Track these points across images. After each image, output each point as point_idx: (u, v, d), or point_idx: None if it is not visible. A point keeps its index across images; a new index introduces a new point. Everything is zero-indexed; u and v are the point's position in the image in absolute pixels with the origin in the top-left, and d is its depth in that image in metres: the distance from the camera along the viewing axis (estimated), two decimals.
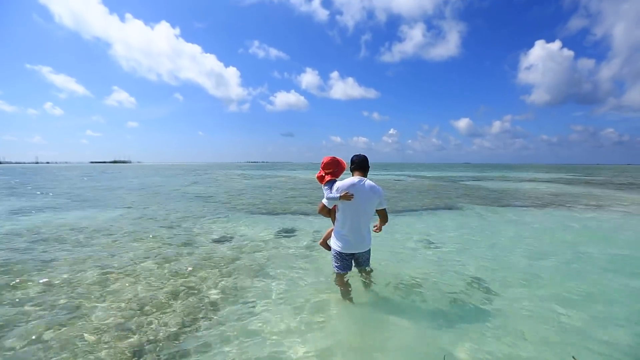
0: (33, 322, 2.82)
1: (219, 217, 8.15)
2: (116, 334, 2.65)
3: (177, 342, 2.57)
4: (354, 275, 3.57)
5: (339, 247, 3.02)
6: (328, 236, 3.34)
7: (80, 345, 2.49)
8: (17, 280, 3.76)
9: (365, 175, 3.07)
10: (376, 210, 3.05)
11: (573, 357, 2.36)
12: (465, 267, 4.40)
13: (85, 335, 2.63)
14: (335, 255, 3.10)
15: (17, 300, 3.27)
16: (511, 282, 3.87)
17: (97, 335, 2.63)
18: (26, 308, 3.09)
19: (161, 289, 3.57)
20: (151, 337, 2.61)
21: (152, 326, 2.78)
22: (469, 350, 2.46)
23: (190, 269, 4.23)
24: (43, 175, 33.43)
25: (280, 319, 2.93)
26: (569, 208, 10.19)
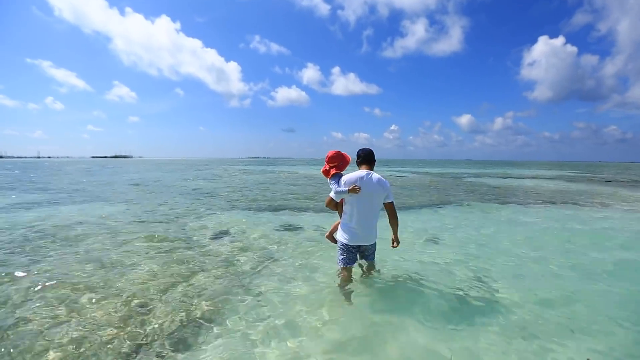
0: (26, 318, 2.73)
1: (219, 213, 8.06)
2: (111, 331, 2.56)
3: (174, 340, 2.48)
4: (356, 272, 3.50)
5: (346, 239, 3.03)
6: (335, 229, 3.31)
7: (73, 344, 2.40)
8: (10, 275, 3.68)
9: (371, 169, 3.08)
10: (384, 205, 3.02)
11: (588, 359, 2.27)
12: (470, 265, 4.32)
13: (79, 333, 2.54)
14: (341, 248, 3.11)
15: (7, 296, 3.18)
16: (517, 282, 3.78)
17: (91, 332, 2.54)
18: (19, 303, 3.00)
19: (158, 285, 3.48)
20: (147, 336, 2.52)
21: (148, 324, 2.70)
22: (476, 350, 2.40)
23: (189, 265, 4.14)
24: (44, 170, 33.42)
25: (282, 317, 2.84)
26: (574, 206, 10.07)
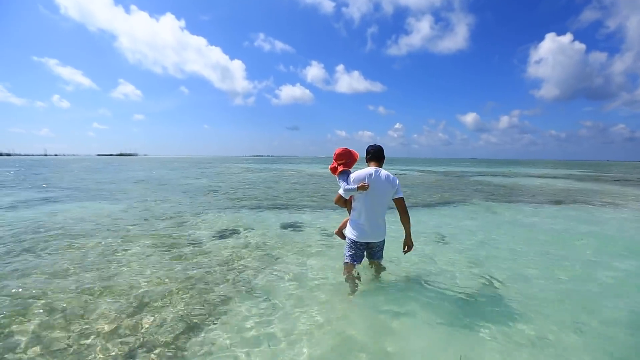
0: (28, 317, 2.67)
1: (222, 211, 8.00)
2: (112, 332, 2.49)
3: (177, 342, 2.40)
4: (362, 272, 3.41)
5: (355, 235, 3.05)
6: (344, 226, 3.31)
7: (73, 345, 2.34)
8: (5, 274, 3.64)
9: (380, 166, 3.08)
10: (393, 201, 2.99)
11: None
12: (478, 265, 4.22)
13: (80, 333, 2.47)
14: (349, 244, 3.12)
15: (7, 294, 3.13)
16: (527, 283, 3.67)
17: (92, 333, 2.47)
18: (19, 302, 2.95)
19: (161, 286, 3.41)
20: (149, 338, 2.45)
21: (150, 326, 2.62)
22: (485, 352, 2.32)
23: (192, 264, 4.07)
24: (50, 167, 33.73)
25: (288, 318, 2.77)
26: (584, 206, 9.86)
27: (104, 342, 2.38)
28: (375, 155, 3.08)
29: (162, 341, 2.41)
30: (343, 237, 3.31)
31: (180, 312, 2.83)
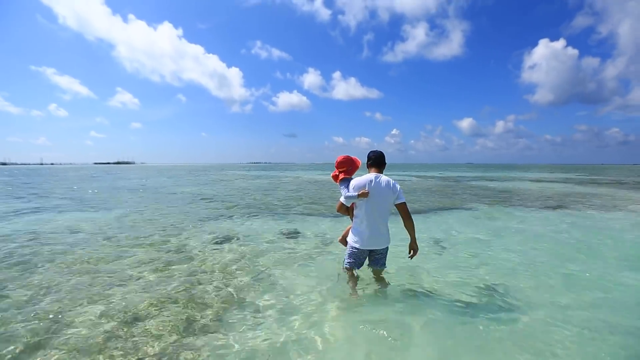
0: (13, 331, 2.57)
1: (219, 219, 7.91)
2: (103, 345, 2.40)
3: (169, 356, 2.31)
4: (365, 280, 3.34)
5: (357, 243, 3.03)
6: (347, 233, 3.29)
7: (63, 358, 2.24)
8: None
9: (381, 172, 3.07)
10: (396, 206, 2.97)
11: None
12: (480, 272, 4.15)
13: (69, 347, 2.38)
14: (350, 252, 3.11)
15: None
16: (529, 290, 3.61)
17: (82, 347, 2.38)
18: (5, 315, 2.85)
19: (155, 296, 3.31)
20: (141, 351, 2.36)
21: (142, 338, 2.53)
22: None
23: (187, 274, 3.98)
24: (45, 176, 33.43)
25: (287, 329, 2.69)
26: (582, 209, 9.85)
27: (88, 356, 2.29)
28: (377, 161, 3.07)
29: (151, 356, 2.32)
30: (346, 244, 3.26)
31: (171, 326, 2.74)
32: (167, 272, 4.06)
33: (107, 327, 2.71)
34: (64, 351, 2.37)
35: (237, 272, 4.10)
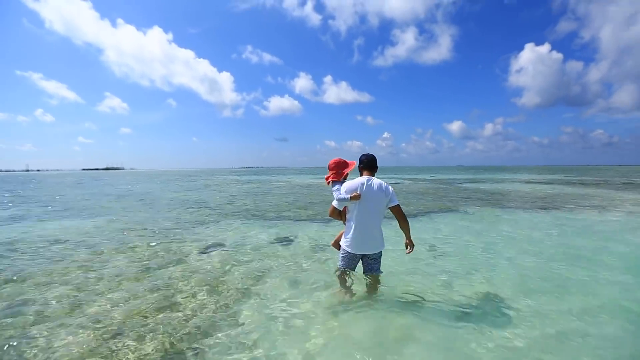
0: None
1: (209, 225, 7.69)
2: None
3: None
4: (358, 286, 3.20)
5: (350, 247, 2.99)
6: (340, 237, 3.22)
7: None
8: None
9: (373, 175, 3.06)
10: (390, 209, 2.96)
11: None
12: (473, 275, 4.09)
13: None
14: (343, 256, 3.08)
15: None
16: (523, 292, 3.55)
17: None
18: None
19: (141, 308, 3.11)
20: None
21: (124, 351, 2.34)
22: None
23: (175, 284, 3.78)
24: (31, 183, 32.51)
25: (279, 342, 2.53)
26: (572, 210, 9.93)
27: None
28: (369, 164, 3.06)
29: None
30: (339, 248, 3.21)
31: (157, 340, 2.56)
32: (150, 282, 3.86)
33: (84, 342, 2.51)
34: None
35: (225, 280, 3.92)
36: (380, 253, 3.09)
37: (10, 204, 12.61)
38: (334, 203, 2.96)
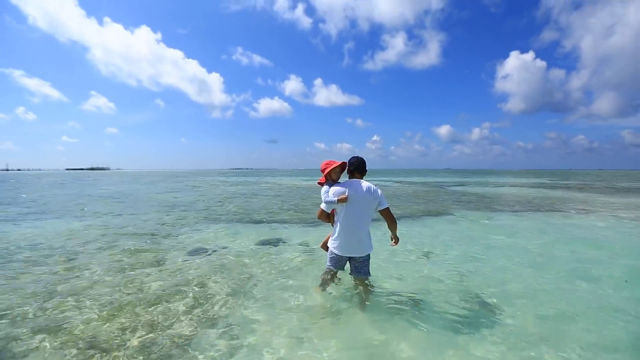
0: None
1: (197, 228, 7.43)
2: None
3: None
4: (351, 290, 3.07)
5: (336, 249, 2.98)
6: (328, 239, 3.20)
7: None
8: None
9: (362, 178, 3.06)
10: (380, 212, 2.93)
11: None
12: (464, 279, 4.05)
13: None
14: (331, 257, 3.07)
15: None
16: (514, 296, 3.53)
17: None
18: None
19: (121, 317, 2.89)
20: None
21: None
22: None
23: (159, 290, 3.56)
24: (10, 183, 31.30)
25: (266, 347, 2.43)
26: (560, 213, 10.05)
27: None
28: (358, 167, 3.04)
29: None
30: (327, 250, 3.17)
31: (138, 353, 2.35)
32: (134, 287, 3.63)
33: (65, 356, 2.28)
34: None
35: (213, 285, 3.73)
36: (368, 256, 3.05)
37: None
38: (322, 205, 2.94)
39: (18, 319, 2.91)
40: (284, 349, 2.44)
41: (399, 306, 3.18)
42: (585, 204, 12.71)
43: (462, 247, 5.71)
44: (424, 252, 5.33)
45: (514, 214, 9.94)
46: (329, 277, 3.24)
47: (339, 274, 3.41)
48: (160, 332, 2.68)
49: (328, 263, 3.12)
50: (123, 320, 2.88)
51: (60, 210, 10.61)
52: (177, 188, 22.37)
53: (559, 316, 3.03)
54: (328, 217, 3.03)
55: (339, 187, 2.89)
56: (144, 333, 2.67)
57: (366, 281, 3.17)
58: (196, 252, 5.30)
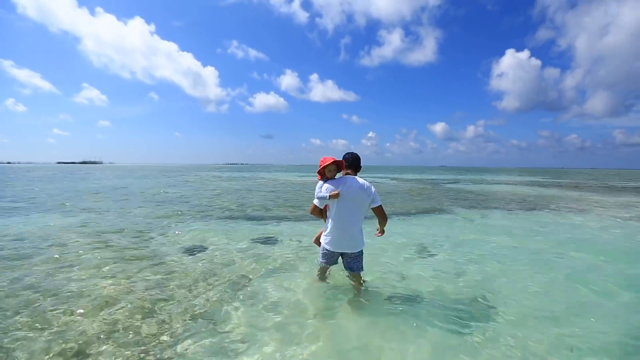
0: None
1: (191, 224, 7.31)
2: None
3: None
4: (342, 288, 3.01)
5: (328, 245, 2.99)
6: (321, 234, 3.22)
7: None
8: None
9: (356, 174, 3.06)
10: (372, 210, 2.95)
11: None
12: (460, 278, 4.04)
13: None
14: (323, 253, 3.09)
15: None
16: (512, 293, 3.54)
17: None
18: None
19: (112, 316, 2.79)
20: None
21: None
22: None
23: (151, 288, 3.46)
24: None
25: (263, 346, 2.37)
26: (555, 210, 10.12)
27: None
28: (353, 163, 3.04)
29: None
30: (320, 245, 3.19)
31: (128, 355, 2.26)
32: (124, 286, 3.52)
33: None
34: None
35: (206, 283, 3.64)
36: (361, 252, 3.05)
37: None
38: (315, 201, 2.95)
39: (5, 320, 2.79)
40: (277, 349, 2.39)
41: (393, 305, 3.15)
42: (580, 202, 12.82)
43: (458, 245, 5.69)
44: (420, 250, 5.30)
45: (510, 212, 9.98)
46: (322, 273, 3.30)
47: (334, 271, 3.39)
48: (149, 332, 2.59)
49: (320, 259, 3.14)
50: (110, 320, 2.78)
51: (48, 205, 10.38)
52: (172, 183, 22.11)
53: (557, 316, 3.01)
54: (321, 212, 3.04)
55: (332, 183, 2.90)
56: (132, 333, 2.57)
57: (360, 276, 3.20)
58: (189, 249, 5.19)
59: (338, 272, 3.56)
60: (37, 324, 2.70)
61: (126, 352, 2.32)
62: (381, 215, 2.99)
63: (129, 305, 3.07)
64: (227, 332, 2.64)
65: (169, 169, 73.78)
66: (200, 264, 4.36)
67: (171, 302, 3.19)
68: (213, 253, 4.95)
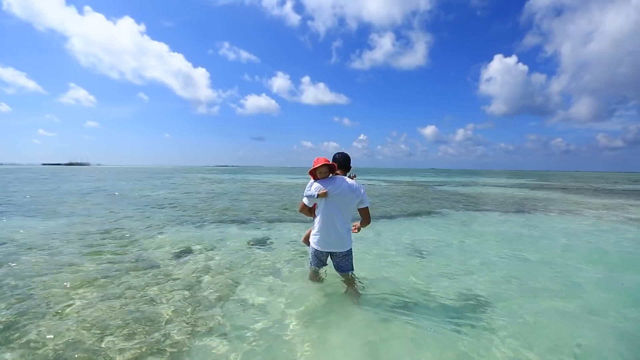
0: None
1: (181, 228, 7.14)
2: None
3: None
4: (338, 291, 2.95)
5: (317, 244, 2.99)
6: (310, 234, 3.21)
7: None
8: None
9: (345, 174, 3.07)
10: (359, 210, 2.98)
11: None
12: (455, 277, 4.05)
13: None
14: (312, 253, 3.10)
15: None
16: (504, 294, 3.55)
17: None
18: None
19: (100, 325, 2.66)
20: None
21: None
22: None
23: (141, 294, 3.33)
24: None
25: (257, 351, 2.32)
26: (544, 212, 10.26)
27: None
28: (343, 163, 3.05)
29: None
30: (309, 244, 3.19)
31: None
32: (114, 291, 3.38)
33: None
34: None
35: (199, 288, 3.54)
36: (349, 251, 3.05)
37: None
38: (304, 199, 2.98)
39: None
40: (274, 349, 2.35)
41: (388, 306, 3.11)
42: (568, 204, 13.05)
43: (450, 247, 5.70)
44: (413, 252, 5.27)
45: (500, 214, 10.08)
46: (314, 275, 3.30)
47: (327, 273, 3.33)
48: (144, 339, 2.47)
49: (310, 259, 3.15)
50: (103, 326, 2.65)
51: (35, 207, 10.04)
52: (161, 185, 21.73)
53: (554, 317, 3.00)
54: (310, 210, 3.06)
55: (320, 183, 2.90)
56: (125, 340, 2.45)
57: (350, 275, 3.16)
58: (181, 253, 5.05)
59: (331, 275, 3.49)
60: (27, 329, 2.55)
61: (120, 356, 2.20)
62: (366, 217, 3.01)
63: (116, 311, 2.93)
64: (214, 337, 2.54)
65: (159, 170, 72.65)
66: (192, 269, 4.23)
67: (165, 305, 3.07)
68: (206, 256, 4.82)
